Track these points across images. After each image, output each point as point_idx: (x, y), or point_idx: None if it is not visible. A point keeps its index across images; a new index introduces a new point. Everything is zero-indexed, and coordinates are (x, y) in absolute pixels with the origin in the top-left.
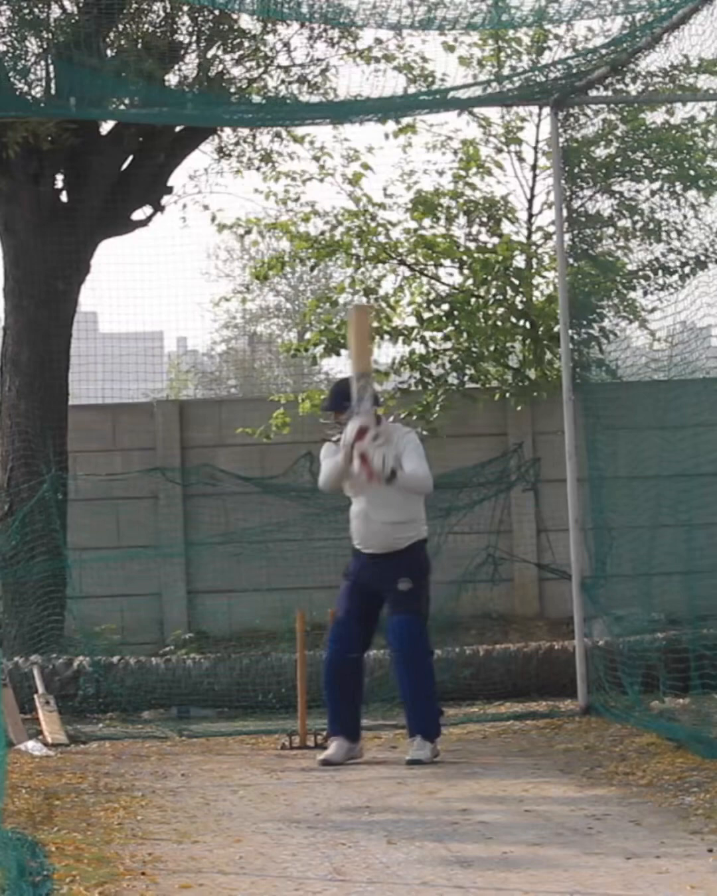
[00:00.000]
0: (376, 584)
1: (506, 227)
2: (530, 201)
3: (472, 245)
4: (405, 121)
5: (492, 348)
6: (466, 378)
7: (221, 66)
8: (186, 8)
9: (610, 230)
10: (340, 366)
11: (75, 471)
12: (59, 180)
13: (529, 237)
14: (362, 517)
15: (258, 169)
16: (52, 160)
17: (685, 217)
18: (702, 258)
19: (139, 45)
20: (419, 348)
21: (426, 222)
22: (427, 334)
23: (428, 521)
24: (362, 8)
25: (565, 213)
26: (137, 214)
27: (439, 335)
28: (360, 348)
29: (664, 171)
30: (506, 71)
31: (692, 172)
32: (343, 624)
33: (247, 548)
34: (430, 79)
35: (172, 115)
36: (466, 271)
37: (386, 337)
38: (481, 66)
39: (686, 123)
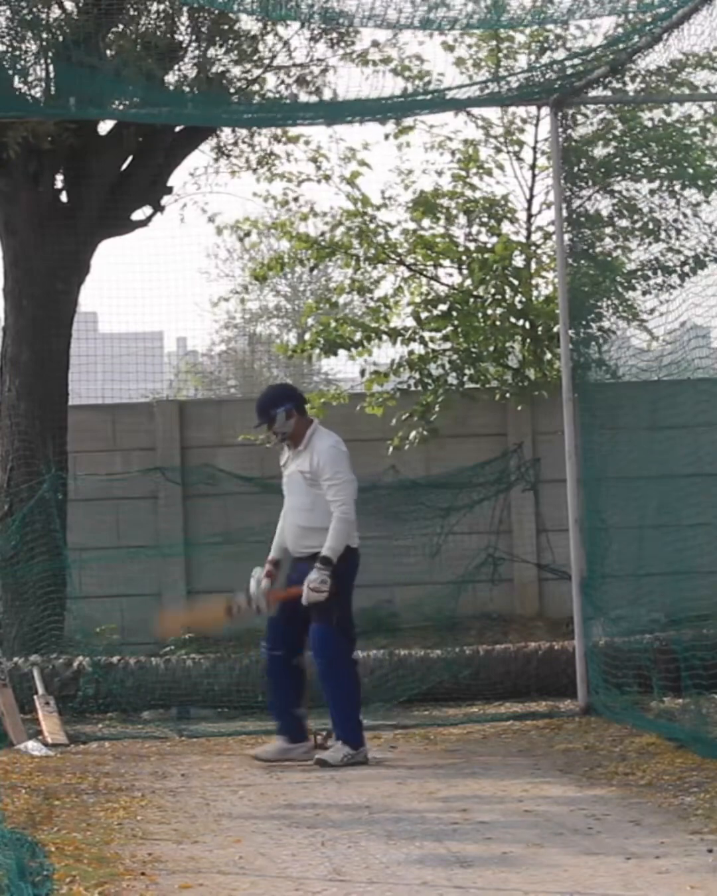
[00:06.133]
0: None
1: (505, 227)
2: (530, 201)
3: (471, 245)
4: (405, 122)
5: (491, 348)
6: (465, 378)
7: (220, 67)
8: (185, 8)
9: (609, 230)
10: (338, 366)
11: (75, 471)
12: (59, 180)
13: (528, 237)
14: (283, 517)
15: (255, 171)
16: (52, 160)
17: (684, 216)
18: (701, 257)
19: (139, 46)
20: (419, 349)
21: (426, 222)
22: (426, 334)
23: (428, 520)
24: (360, 8)
25: (564, 212)
26: (137, 214)
27: (438, 335)
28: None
29: (663, 171)
30: (504, 71)
31: (690, 171)
32: (270, 621)
33: (247, 548)
34: (428, 79)
35: (171, 115)
36: (465, 271)
37: (385, 337)
38: (478, 68)
39: (684, 121)
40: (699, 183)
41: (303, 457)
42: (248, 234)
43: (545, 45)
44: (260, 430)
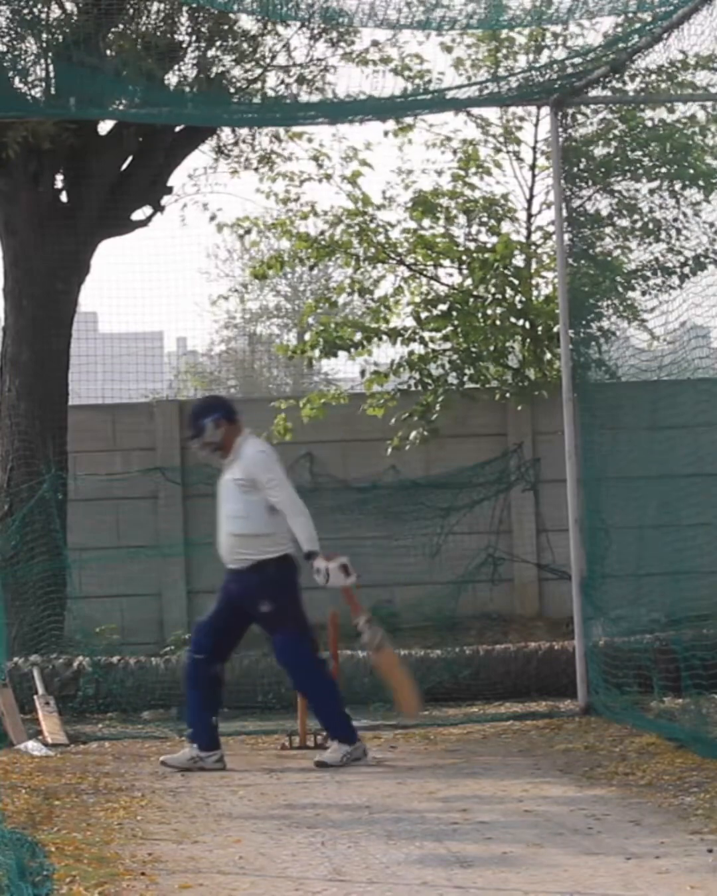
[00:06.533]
0: (238, 601)
1: (505, 226)
2: (530, 201)
3: (471, 245)
4: (405, 121)
5: (491, 348)
6: (465, 378)
7: (220, 66)
8: (185, 8)
9: (609, 230)
10: (339, 366)
11: (75, 471)
12: (59, 180)
13: (528, 237)
14: (218, 525)
15: (256, 170)
16: (52, 160)
17: (684, 215)
18: (701, 258)
19: (139, 46)
20: (419, 349)
21: (426, 222)
22: (426, 334)
23: (428, 520)
24: (360, 8)
25: (564, 212)
26: (137, 214)
27: (438, 335)
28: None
29: (663, 170)
30: (503, 71)
31: (691, 172)
32: (198, 625)
33: None
34: (428, 80)
35: (171, 115)
36: (465, 271)
37: (385, 338)
38: (477, 68)
39: (686, 121)
40: (700, 183)
41: (234, 465)
42: (248, 231)
43: (542, 44)
44: (192, 442)
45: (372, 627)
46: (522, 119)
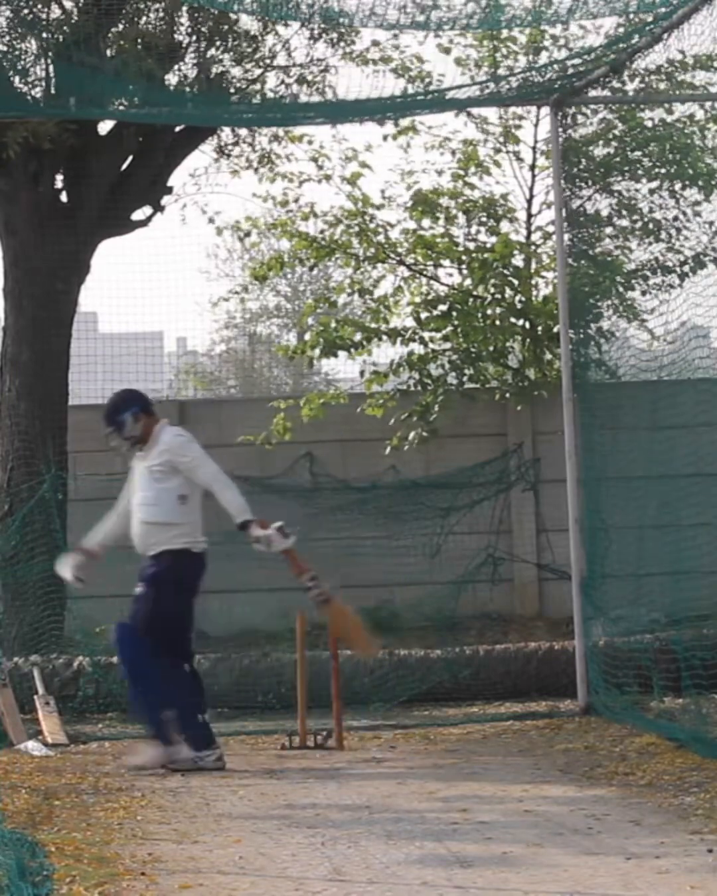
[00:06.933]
0: None
1: (505, 227)
2: (530, 201)
3: (471, 245)
4: (404, 123)
5: (491, 348)
6: (465, 378)
7: (220, 67)
8: (185, 8)
9: (609, 229)
10: (339, 366)
11: (75, 471)
12: (59, 180)
13: (528, 237)
14: (117, 515)
15: (256, 170)
16: (52, 160)
17: (684, 215)
18: (701, 257)
19: (139, 46)
20: (418, 349)
21: (425, 222)
22: (426, 334)
23: (428, 520)
24: (359, 8)
25: (564, 212)
26: (137, 214)
27: (438, 335)
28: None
29: (663, 170)
30: (503, 72)
31: (691, 172)
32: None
33: (246, 548)
34: (428, 80)
35: (171, 115)
36: (465, 271)
37: (385, 338)
38: (478, 67)
39: (686, 121)
40: (700, 183)
41: (150, 452)
42: (248, 233)
43: (541, 46)
44: (111, 437)
45: (318, 583)
46: (521, 118)
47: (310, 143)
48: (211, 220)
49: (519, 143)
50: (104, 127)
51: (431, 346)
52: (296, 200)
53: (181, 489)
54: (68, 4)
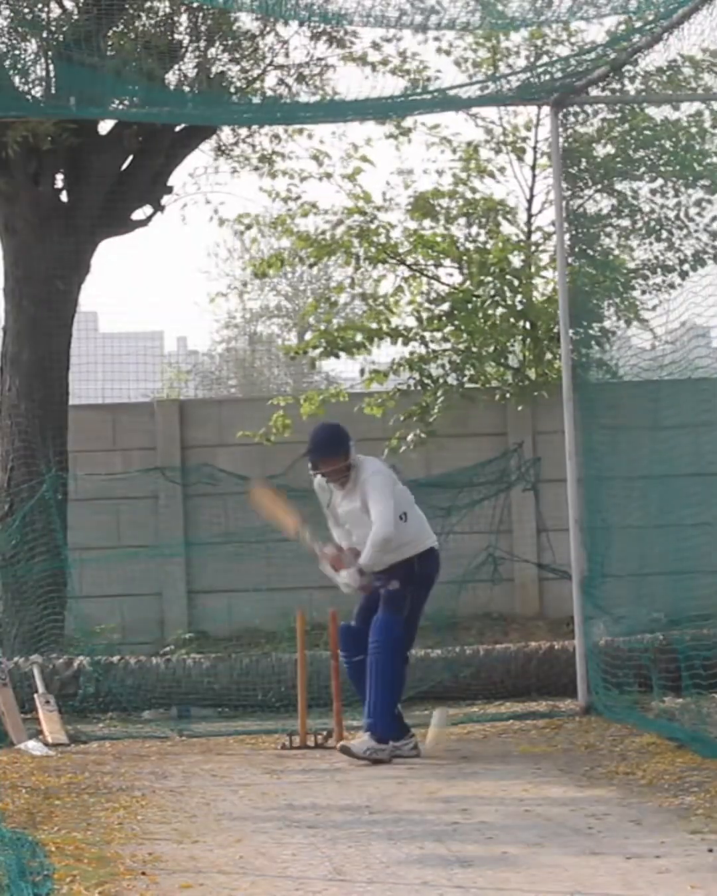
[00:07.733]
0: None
1: (505, 227)
2: (530, 201)
3: (471, 245)
4: (404, 124)
5: (492, 348)
6: (465, 378)
7: (220, 66)
8: (185, 7)
9: (610, 229)
10: (339, 365)
11: (75, 471)
12: (59, 180)
13: (528, 237)
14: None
15: (256, 168)
16: (52, 160)
17: (686, 213)
18: (701, 254)
19: (139, 45)
20: (419, 349)
21: (426, 223)
22: (427, 335)
23: (428, 520)
24: (359, 8)
25: (564, 212)
26: (137, 214)
27: (438, 335)
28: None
29: (665, 169)
30: (505, 70)
31: (690, 171)
32: (343, 629)
33: (247, 548)
34: (428, 80)
35: (171, 114)
36: (465, 271)
37: (386, 338)
38: (478, 67)
39: (690, 120)
40: (703, 182)
41: (354, 493)
42: (248, 227)
43: (541, 50)
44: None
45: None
46: (516, 113)
47: (310, 137)
48: (215, 211)
49: (522, 140)
50: (104, 126)
51: (431, 346)
52: (297, 198)
53: (396, 509)
54: (68, 4)
